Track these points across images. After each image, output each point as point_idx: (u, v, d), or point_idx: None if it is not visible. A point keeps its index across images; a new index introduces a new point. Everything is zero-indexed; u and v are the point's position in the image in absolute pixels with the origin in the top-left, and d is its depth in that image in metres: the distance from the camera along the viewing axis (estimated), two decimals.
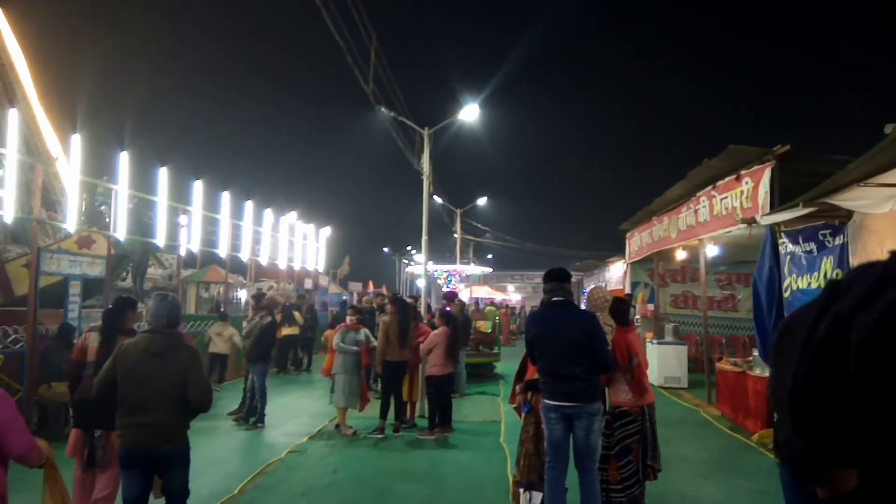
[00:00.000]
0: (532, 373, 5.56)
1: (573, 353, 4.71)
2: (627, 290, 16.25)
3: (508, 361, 16.22)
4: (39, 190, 8.76)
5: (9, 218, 8.79)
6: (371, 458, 7.49)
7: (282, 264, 20.60)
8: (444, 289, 24.41)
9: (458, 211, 28.32)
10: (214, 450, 7.74)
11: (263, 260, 19.05)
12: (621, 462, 5.19)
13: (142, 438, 3.87)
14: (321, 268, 24.83)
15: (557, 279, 5.02)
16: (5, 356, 7.91)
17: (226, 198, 16.17)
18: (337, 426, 8.76)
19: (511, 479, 6.17)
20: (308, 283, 23.44)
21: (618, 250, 19.17)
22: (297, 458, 7.39)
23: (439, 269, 27.21)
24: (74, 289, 9.17)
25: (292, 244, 21.12)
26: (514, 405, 5.89)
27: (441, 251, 33.65)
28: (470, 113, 11.27)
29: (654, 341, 13.29)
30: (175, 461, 3.98)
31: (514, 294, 39.73)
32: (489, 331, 14.72)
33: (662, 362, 12.95)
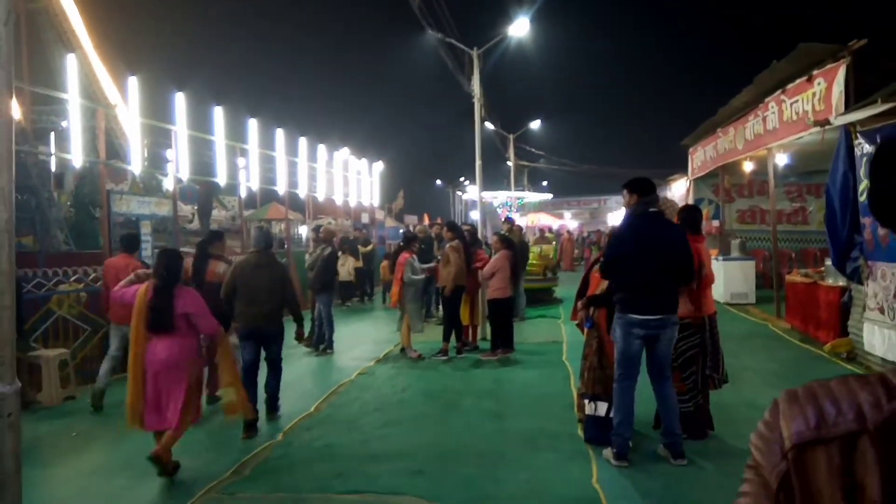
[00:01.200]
0: (593, 289, 5.54)
1: (669, 264, 4.65)
2: None
3: (568, 286, 16.21)
4: (103, 134, 9.06)
5: (78, 162, 9.15)
6: (437, 377, 7.72)
7: (338, 200, 20.88)
8: (502, 216, 24.32)
9: (511, 136, 27.78)
10: (288, 374, 8.07)
11: (320, 196, 19.33)
12: (685, 373, 5.17)
13: (254, 321, 5.87)
14: (376, 202, 25.06)
15: (652, 189, 4.83)
16: (87, 294, 8.40)
17: (280, 135, 16.31)
18: (402, 350, 9.02)
19: (575, 391, 6.26)
20: (365, 218, 23.77)
21: (679, 167, 18.52)
22: (367, 379, 7.69)
23: (496, 199, 27.00)
24: (145, 228, 9.57)
25: (347, 180, 21.30)
26: (577, 321, 5.90)
27: (495, 179, 33.31)
28: (520, 28, 10.82)
29: (720, 258, 12.94)
30: (274, 337, 6.06)
31: (570, 221, 39.22)
32: (552, 256, 14.66)
33: (729, 279, 12.65)
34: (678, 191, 18.62)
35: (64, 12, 14.71)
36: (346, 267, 14.00)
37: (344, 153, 21.25)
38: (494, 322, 8.89)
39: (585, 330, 5.58)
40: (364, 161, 23.19)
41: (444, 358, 8.66)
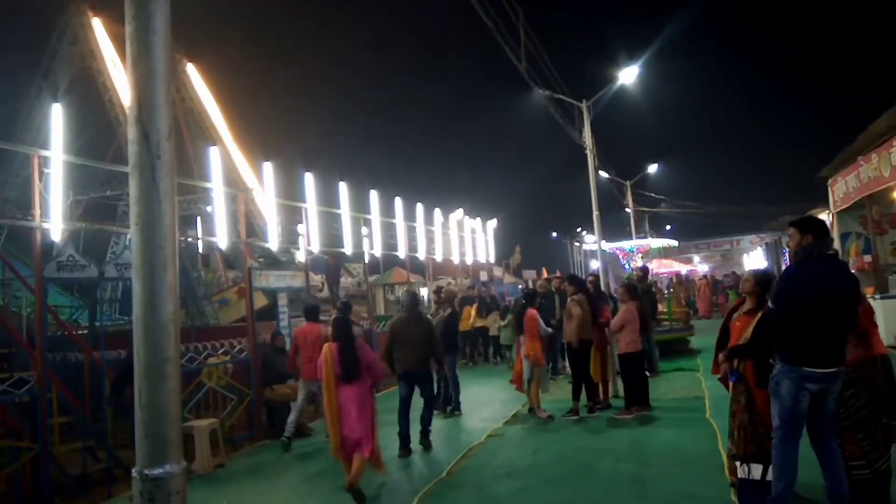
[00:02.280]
0: (736, 338, 5.15)
1: (847, 312, 4.28)
2: (836, 243, 14.44)
3: (706, 335, 15.24)
4: (243, 216, 9.87)
5: (223, 244, 10.02)
6: (569, 438, 7.43)
7: (455, 260, 21.24)
8: (628, 266, 23.48)
9: (628, 183, 27.13)
10: (418, 436, 8.16)
11: (438, 257, 19.78)
12: (861, 434, 4.54)
13: (407, 364, 7.40)
14: (493, 259, 25.20)
15: (824, 230, 4.48)
16: (234, 365, 9.01)
17: (398, 203, 17.02)
18: (530, 410, 8.81)
19: (724, 452, 5.78)
20: (483, 276, 23.93)
21: (814, 201, 17.15)
22: (497, 442, 7.55)
23: (616, 247, 26.25)
24: (283, 300, 10.20)
25: (462, 239, 21.69)
26: (719, 375, 5.49)
27: (614, 228, 32.48)
28: (629, 75, 10.71)
29: (877, 296, 11.66)
30: (424, 378, 7.61)
31: (700, 265, 37.12)
32: (685, 305, 13.90)
33: (889, 319, 11.32)
34: None
35: (206, 111, 16.51)
36: (471, 321, 14.14)
37: (458, 214, 21.74)
38: (627, 378, 8.49)
39: (731, 384, 5.19)
40: (478, 220, 23.56)
41: (576, 418, 8.35)
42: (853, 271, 5.16)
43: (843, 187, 13.96)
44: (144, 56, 2.34)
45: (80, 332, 9.19)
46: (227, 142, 16.89)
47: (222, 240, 10.01)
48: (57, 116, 6.60)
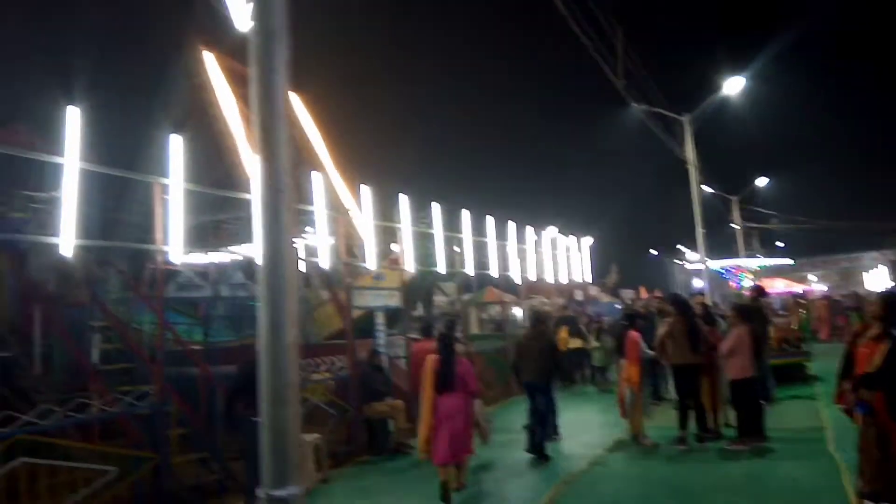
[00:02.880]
0: (862, 367, 4.75)
1: None
2: None
3: (826, 361, 14.16)
4: (343, 238, 10.20)
5: (325, 264, 10.38)
6: (678, 469, 7.07)
7: (549, 279, 20.92)
8: (739, 285, 22.23)
9: (735, 198, 25.76)
10: (516, 460, 8.04)
11: (532, 277, 19.55)
12: None
13: (529, 376, 8.22)
14: (588, 278, 24.63)
15: None
16: (335, 381, 9.25)
17: (490, 222, 17.02)
18: (634, 437, 8.46)
19: (850, 489, 5.30)
20: (578, 295, 23.43)
21: None
22: (600, 470, 7.28)
23: (724, 265, 24.91)
24: (380, 319, 10.41)
25: (556, 258, 21.36)
26: (843, 405, 5.06)
27: (719, 245, 30.83)
28: (735, 85, 10.19)
29: None
30: (542, 390, 8.19)
31: (817, 285, 34.53)
32: (801, 327, 12.98)
33: None
34: None
35: (308, 138, 17.34)
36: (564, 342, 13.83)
37: (552, 232, 21.44)
38: (739, 406, 7.98)
39: (858, 416, 4.77)
40: (572, 238, 23.13)
41: (683, 447, 7.92)
42: None
43: None
44: (267, 98, 2.50)
45: (193, 348, 9.77)
46: (327, 166, 17.61)
47: (323, 260, 10.38)
48: (176, 147, 7.12)
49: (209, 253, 12.55)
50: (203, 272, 9.92)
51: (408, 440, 9.06)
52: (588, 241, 24.46)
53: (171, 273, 7.13)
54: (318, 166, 16.53)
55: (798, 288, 29.53)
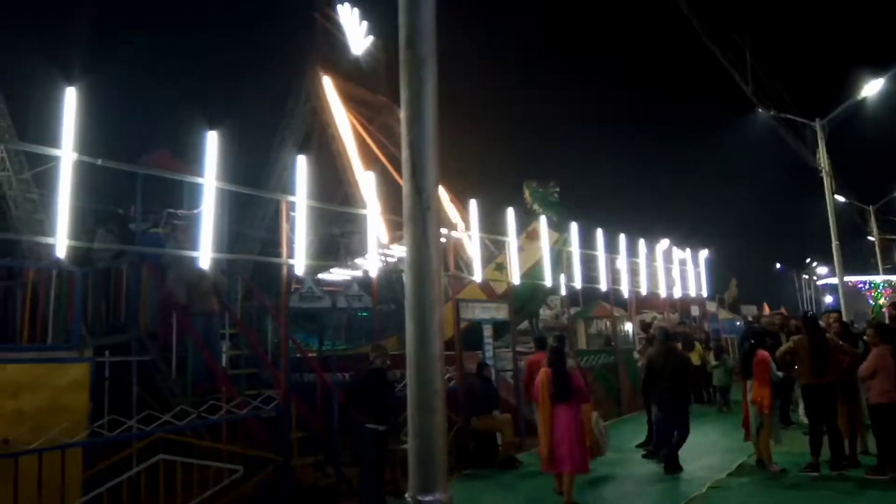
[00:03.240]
0: None
1: None
2: None
3: None
4: (452, 252, 10.36)
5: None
6: (808, 498, 6.54)
7: (663, 293, 20.08)
8: (874, 303, 20.34)
9: (871, 207, 23.62)
10: (633, 481, 7.76)
11: (643, 291, 18.86)
12: None
13: (659, 393, 8.38)
14: (705, 293, 23.38)
15: None
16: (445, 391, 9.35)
17: (599, 234, 16.61)
18: (758, 462, 7.92)
19: None
20: (695, 311, 22.30)
21: None
22: (721, 494, 6.89)
23: (860, 280, 22.84)
24: (487, 331, 10.44)
25: (670, 271, 20.46)
26: None
27: (853, 258, 28.30)
28: (873, 88, 9.37)
29: None
30: (675, 410, 8.20)
31: None
32: None
33: None
34: None
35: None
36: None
37: (664, 244, 20.59)
38: (880, 433, 7.27)
39: None
40: (688, 250, 22.08)
41: (815, 474, 7.33)
42: None
43: None
44: (417, 120, 2.63)
45: (311, 355, 10.23)
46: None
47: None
48: (301, 166, 7.55)
49: (331, 267, 13.16)
50: (325, 284, 10.42)
51: (515, 453, 9.00)
52: (704, 253, 23.27)
53: (295, 285, 7.53)
54: None
55: None
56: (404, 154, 2.68)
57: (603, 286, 16.75)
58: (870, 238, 24.46)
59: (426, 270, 2.50)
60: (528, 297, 15.54)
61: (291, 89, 22.67)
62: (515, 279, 12.68)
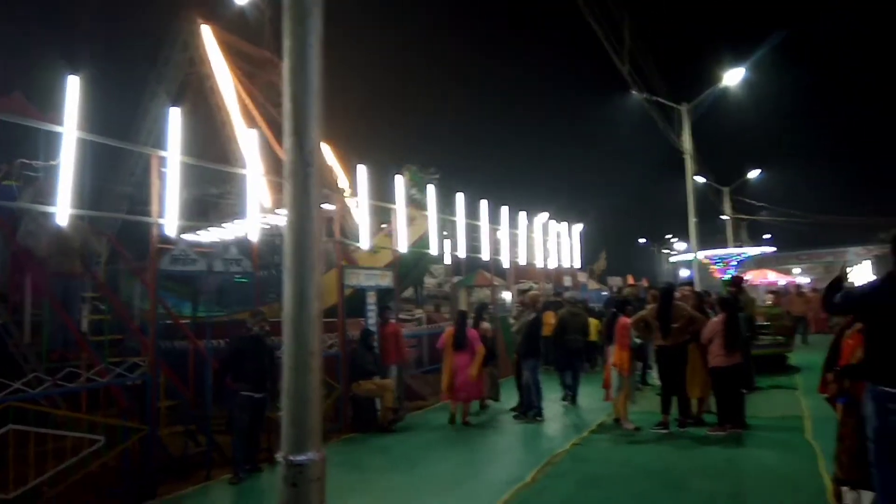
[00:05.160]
0: (847, 357, 4.86)
1: None
2: None
3: (808, 352, 14.42)
4: (339, 218, 10.20)
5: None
6: (658, 452, 7.21)
7: (539, 264, 21.00)
8: (720, 276, 22.43)
9: (726, 189, 25.92)
10: (501, 440, 8.18)
11: (522, 262, 19.62)
12: None
13: (572, 344, 10.17)
14: (578, 264, 24.73)
15: None
16: (324, 359, 9.30)
17: (483, 205, 17.01)
18: (616, 420, 8.61)
19: (826, 476, 5.46)
20: (567, 281, 23.54)
21: None
22: (582, 451, 7.43)
23: (712, 255, 25.03)
24: (371, 298, 10.46)
25: (547, 243, 21.41)
26: (826, 395, 5.18)
27: (708, 235, 30.99)
28: (734, 77, 10.21)
29: None
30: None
31: (801, 277, 34.90)
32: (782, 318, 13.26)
33: None
34: None
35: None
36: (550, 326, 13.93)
37: (543, 217, 21.46)
38: (718, 393, 8.14)
39: (839, 406, 4.89)
40: (564, 224, 23.15)
41: (664, 431, 8.09)
42: None
43: None
44: (301, 70, 2.51)
45: (183, 321, 9.78)
46: (322, 145, 17.55)
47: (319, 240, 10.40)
48: (174, 120, 7.07)
49: (206, 228, 12.52)
50: (197, 246, 9.91)
51: (393, 419, 9.19)
52: (579, 227, 24.52)
53: (166, 246, 7.10)
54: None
55: (782, 279, 29.85)
56: (286, 107, 2.58)
57: (485, 256, 17.26)
58: (723, 217, 26.91)
59: (306, 229, 2.46)
60: (413, 265, 15.69)
61: (167, 36, 21.06)
62: (402, 248, 12.76)
